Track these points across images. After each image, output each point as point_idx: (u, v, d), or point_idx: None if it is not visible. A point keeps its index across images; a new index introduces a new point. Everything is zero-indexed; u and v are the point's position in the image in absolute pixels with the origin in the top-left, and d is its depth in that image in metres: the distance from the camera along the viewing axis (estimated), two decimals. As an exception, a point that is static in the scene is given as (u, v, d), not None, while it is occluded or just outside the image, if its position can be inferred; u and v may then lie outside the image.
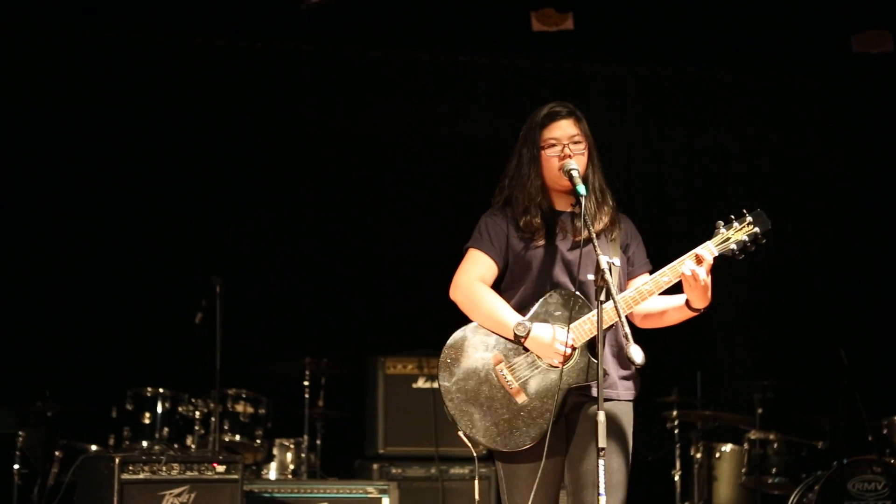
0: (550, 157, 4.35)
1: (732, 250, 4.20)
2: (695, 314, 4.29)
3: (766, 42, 8.76)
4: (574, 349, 4.20)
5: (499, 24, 8.55)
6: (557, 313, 4.26)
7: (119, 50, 8.38)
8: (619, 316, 3.99)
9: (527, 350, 4.25)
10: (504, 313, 4.30)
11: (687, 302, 4.25)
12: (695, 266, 4.14)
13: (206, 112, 8.53)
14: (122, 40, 8.37)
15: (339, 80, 8.81)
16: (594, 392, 4.22)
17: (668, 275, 4.21)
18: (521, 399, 4.25)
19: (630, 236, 4.47)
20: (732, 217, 4.24)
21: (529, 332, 4.22)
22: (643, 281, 4.26)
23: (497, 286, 4.46)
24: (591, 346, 4.22)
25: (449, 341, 4.38)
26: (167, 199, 8.47)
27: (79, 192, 8.34)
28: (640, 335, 4.27)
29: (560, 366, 4.20)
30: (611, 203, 4.43)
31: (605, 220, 4.38)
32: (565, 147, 4.33)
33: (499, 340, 4.30)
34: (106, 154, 8.41)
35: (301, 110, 8.77)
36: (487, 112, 8.90)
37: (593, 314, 4.17)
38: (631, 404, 4.38)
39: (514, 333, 4.24)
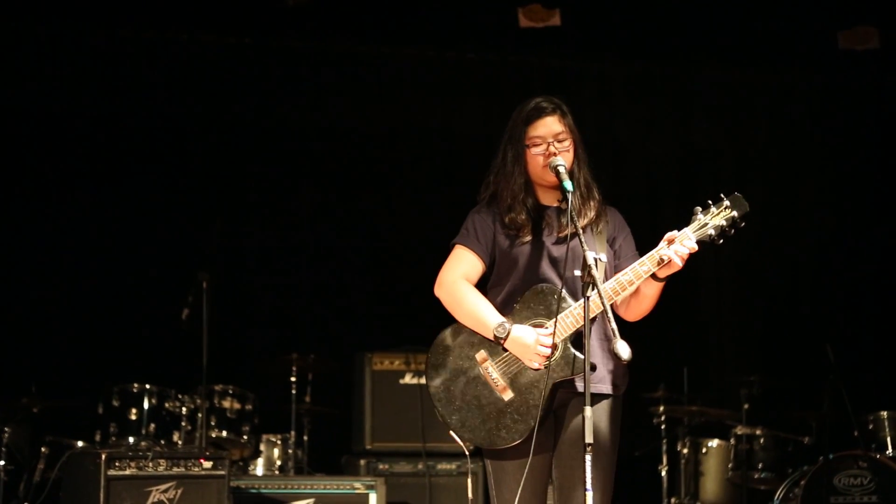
0: (535, 156, 4.35)
1: (710, 235, 4.16)
2: (661, 283, 4.25)
3: (754, 39, 8.77)
4: (555, 349, 4.20)
5: (486, 21, 8.55)
6: (540, 308, 4.27)
7: (103, 46, 8.35)
8: (606, 311, 3.99)
9: (507, 350, 4.26)
10: (485, 313, 4.30)
11: (653, 274, 4.22)
12: (679, 247, 4.12)
13: (193, 107, 8.52)
14: (106, 37, 8.35)
15: (326, 77, 8.80)
16: (579, 387, 4.23)
17: (646, 264, 4.19)
18: (508, 396, 4.26)
19: (617, 229, 4.47)
20: (710, 202, 4.20)
21: (509, 333, 4.22)
22: (623, 271, 4.25)
23: (485, 283, 4.47)
24: (577, 341, 4.22)
25: (435, 342, 4.40)
26: (154, 195, 8.45)
27: (65, 188, 8.32)
28: (628, 330, 4.27)
29: (540, 367, 4.20)
30: (597, 197, 4.42)
31: (591, 214, 4.38)
32: (550, 145, 4.33)
33: (483, 338, 4.30)
34: (91, 150, 8.39)
35: (289, 106, 8.75)
36: (475, 108, 8.89)
37: (574, 307, 4.18)
38: (619, 399, 4.38)
39: (494, 334, 4.25)
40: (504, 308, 4.34)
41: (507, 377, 4.27)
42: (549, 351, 4.18)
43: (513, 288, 4.36)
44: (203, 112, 8.55)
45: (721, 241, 4.19)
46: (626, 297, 4.36)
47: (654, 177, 9.34)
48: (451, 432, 4.34)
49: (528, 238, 4.36)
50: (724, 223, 4.17)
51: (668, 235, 4.17)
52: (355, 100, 8.83)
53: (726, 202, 4.19)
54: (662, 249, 4.16)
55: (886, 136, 9.21)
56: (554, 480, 4.35)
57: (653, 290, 4.27)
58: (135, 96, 8.44)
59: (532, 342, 4.19)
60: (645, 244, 4.47)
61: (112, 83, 8.37)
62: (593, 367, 4.16)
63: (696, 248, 4.15)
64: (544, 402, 4.19)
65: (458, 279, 4.41)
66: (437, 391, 4.35)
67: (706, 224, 4.17)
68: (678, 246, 4.13)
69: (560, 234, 4.33)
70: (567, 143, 4.35)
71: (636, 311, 4.38)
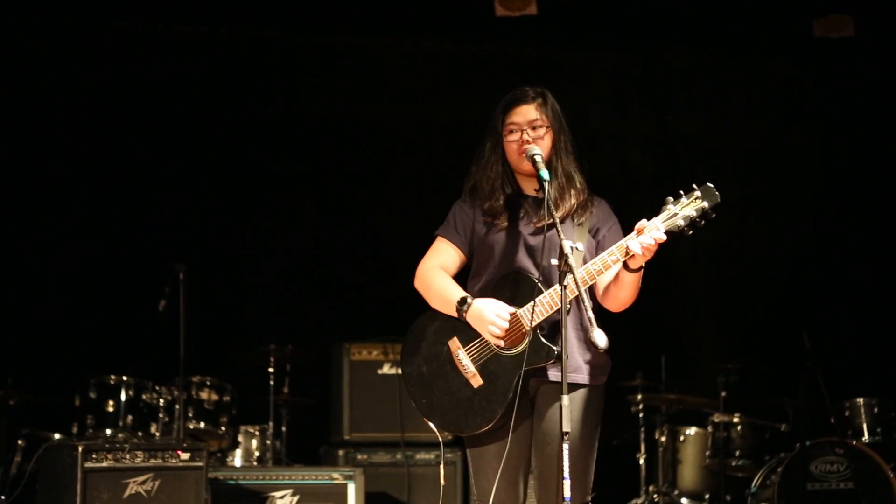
0: (510, 142, 4.37)
1: (679, 226, 4.12)
2: (635, 273, 4.21)
3: (729, 27, 8.79)
4: (524, 336, 4.21)
5: (462, 10, 8.54)
6: (511, 295, 4.28)
7: (79, 36, 8.30)
8: (582, 299, 3.99)
9: (469, 326, 4.26)
10: (451, 291, 4.34)
11: (625, 263, 4.20)
12: (645, 238, 4.08)
13: (167, 99, 8.47)
14: (83, 26, 8.31)
15: (302, 67, 8.77)
16: (551, 376, 4.25)
17: (615, 253, 4.17)
18: (477, 383, 4.27)
19: (601, 220, 4.46)
20: (682, 192, 4.17)
21: (470, 306, 4.24)
22: (592, 261, 4.24)
23: (466, 274, 4.48)
24: (550, 330, 4.23)
25: (411, 327, 4.44)
26: (130, 186, 8.42)
27: (40, 180, 8.28)
28: (606, 319, 4.28)
29: (500, 344, 4.21)
30: (579, 187, 4.42)
31: (570, 204, 4.37)
32: (524, 132, 4.35)
33: (457, 326, 4.32)
34: (67, 142, 8.34)
35: (266, 98, 8.72)
36: (451, 98, 8.88)
37: (545, 295, 4.18)
38: (597, 389, 4.38)
39: (456, 307, 4.27)
40: (482, 296, 4.35)
41: (478, 364, 4.28)
42: (505, 324, 4.18)
43: (490, 277, 4.38)
44: (177, 104, 8.50)
45: (691, 231, 4.14)
46: (607, 287, 4.35)
47: (629, 165, 9.34)
48: (424, 418, 4.37)
49: (506, 226, 4.37)
50: (695, 214, 4.13)
51: (638, 225, 4.14)
52: (329, 91, 8.80)
53: (697, 192, 4.15)
54: (630, 240, 4.15)
55: (861, 124, 9.25)
56: (533, 469, 4.37)
57: (630, 279, 4.24)
58: (111, 88, 8.38)
59: (489, 312, 4.20)
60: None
61: (84, 73, 8.31)
62: (559, 357, 4.12)
63: (664, 238, 4.11)
64: (515, 390, 4.20)
65: (432, 267, 4.45)
66: (410, 376, 4.39)
67: (675, 214, 4.13)
68: (644, 237, 4.10)
69: (537, 224, 4.34)
70: (542, 131, 4.36)
71: (617, 301, 4.36)
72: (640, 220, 4.20)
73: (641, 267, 4.20)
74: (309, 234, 8.86)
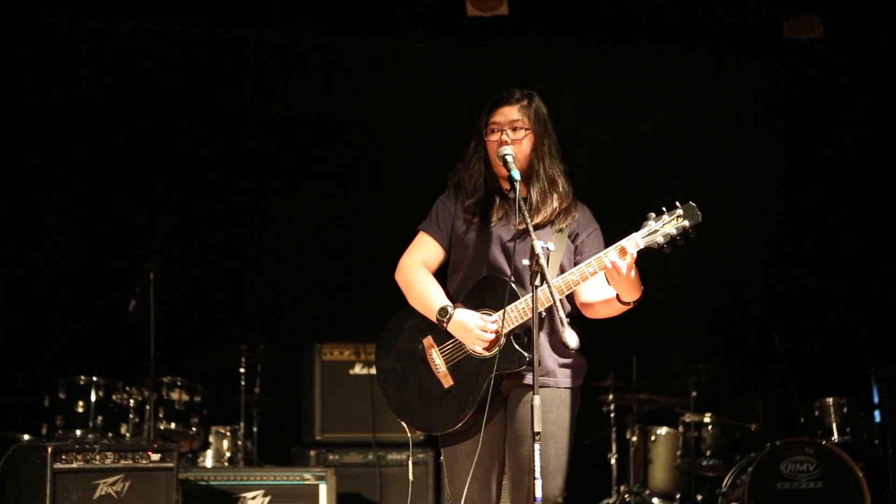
0: (491, 142, 4.38)
1: (659, 243, 4.14)
2: (626, 307, 4.27)
3: (700, 28, 8.82)
4: (498, 336, 4.21)
5: (434, 10, 8.53)
6: (488, 298, 4.30)
7: (49, 34, 8.25)
8: (555, 301, 3.99)
9: (451, 336, 4.27)
10: (432, 296, 4.34)
11: (617, 295, 4.24)
12: (617, 258, 4.11)
13: (136, 97, 8.43)
14: (51, 24, 8.26)
15: (274, 66, 8.73)
16: (527, 379, 4.25)
17: (593, 265, 4.19)
18: (448, 383, 4.29)
19: (581, 226, 4.47)
20: (664, 209, 4.18)
21: (451, 317, 4.25)
22: (570, 271, 4.26)
23: (445, 268, 4.49)
24: (525, 334, 4.23)
25: (387, 322, 4.46)
26: (100, 185, 8.38)
27: (8, 180, 8.22)
28: (577, 318, 4.29)
29: (483, 353, 4.22)
30: (561, 192, 4.42)
31: (552, 209, 4.38)
32: (503, 133, 4.35)
33: (433, 324, 4.33)
34: (36, 142, 8.29)
35: (238, 97, 8.68)
36: (423, 98, 8.86)
37: (522, 301, 4.19)
38: (572, 391, 4.39)
39: (437, 317, 4.27)
40: (457, 295, 4.36)
41: (450, 365, 4.29)
42: (490, 336, 4.18)
43: (466, 275, 4.40)
44: (145, 101, 8.46)
45: (669, 249, 4.17)
46: (595, 302, 4.37)
47: (601, 164, 9.35)
48: (395, 415, 4.37)
49: (484, 225, 4.39)
50: (675, 231, 4.15)
51: (622, 244, 4.16)
52: (301, 90, 8.77)
53: (679, 210, 4.18)
54: (609, 255, 4.16)
55: (830, 125, 9.29)
56: (507, 469, 4.38)
57: (613, 310, 4.30)
58: (82, 88, 8.33)
59: (473, 326, 4.21)
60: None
61: (61, 73, 8.26)
62: (530, 363, 4.13)
63: (634, 254, 4.12)
64: (485, 393, 4.21)
65: (415, 264, 4.46)
66: (384, 371, 4.42)
67: (656, 231, 4.16)
68: (617, 258, 4.11)
69: (515, 225, 4.34)
70: (521, 133, 4.36)
71: (597, 316, 4.41)
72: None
73: (637, 302, 4.21)
74: (280, 234, 8.84)
